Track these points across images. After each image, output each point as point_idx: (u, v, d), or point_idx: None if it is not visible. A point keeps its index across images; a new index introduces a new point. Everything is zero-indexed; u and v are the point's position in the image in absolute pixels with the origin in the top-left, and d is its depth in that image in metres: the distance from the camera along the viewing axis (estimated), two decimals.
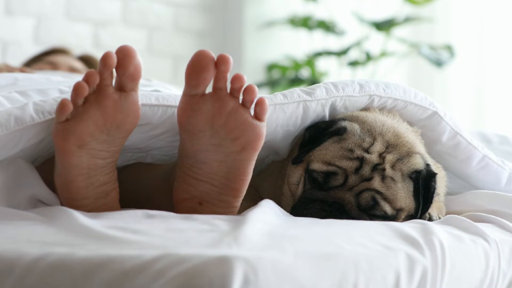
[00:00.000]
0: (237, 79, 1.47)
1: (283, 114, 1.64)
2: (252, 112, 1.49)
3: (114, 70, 1.43)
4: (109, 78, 1.43)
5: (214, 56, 1.46)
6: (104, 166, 1.47)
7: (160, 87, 2.28)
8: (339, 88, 1.71)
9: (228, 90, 1.49)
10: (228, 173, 1.51)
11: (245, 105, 1.49)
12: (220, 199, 1.53)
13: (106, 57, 1.41)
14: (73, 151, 1.43)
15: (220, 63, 1.46)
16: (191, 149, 1.51)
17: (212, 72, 1.46)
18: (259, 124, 1.49)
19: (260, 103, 1.49)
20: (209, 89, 1.50)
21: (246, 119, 1.48)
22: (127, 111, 1.45)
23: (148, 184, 1.72)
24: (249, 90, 1.48)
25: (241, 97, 1.49)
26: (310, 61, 4.70)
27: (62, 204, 1.49)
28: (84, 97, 1.42)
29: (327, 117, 1.72)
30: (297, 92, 1.67)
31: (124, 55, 1.42)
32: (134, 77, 1.43)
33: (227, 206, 1.53)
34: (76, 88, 1.41)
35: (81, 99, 1.42)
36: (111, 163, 1.49)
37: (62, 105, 1.41)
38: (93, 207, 1.48)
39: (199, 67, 1.46)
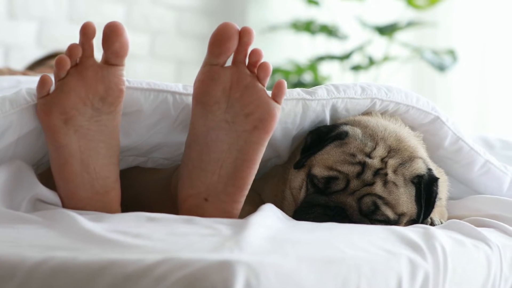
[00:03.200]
0: (254, 53, 1.51)
1: (281, 110, 1.64)
2: (269, 93, 1.52)
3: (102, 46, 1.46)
4: (89, 49, 1.46)
5: (238, 27, 1.50)
6: (98, 151, 1.48)
7: None
8: (340, 90, 1.71)
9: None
10: (237, 159, 1.52)
11: (260, 81, 1.52)
12: (226, 191, 1.53)
13: (84, 27, 1.45)
14: (59, 127, 1.44)
15: (243, 35, 1.49)
16: (203, 128, 1.52)
17: (235, 43, 1.49)
18: (274, 104, 1.52)
19: (278, 85, 1.52)
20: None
21: (262, 95, 1.51)
22: (108, 83, 1.46)
23: (147, 189, 1.72)
24: (263, 67, 1.52)
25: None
26: (312, 66, 4.70)
27: (61, 200, 1.49)
28: (67, 70, 1.44)
29: (327, 119, 1.72)
30: (297, 90, 1.68)
31: (111, 31, 1.45)
32: (119, 54, 1.46)
33: (232, 201, 1.53)
34: (58, 62, 1.44)
35: (64, 73, 1.44)
36: (107, 152, 1.49)
37: (42, 79, 1.44)
38: (90, 202, 1.48)
39: (224, 36, 1.49)
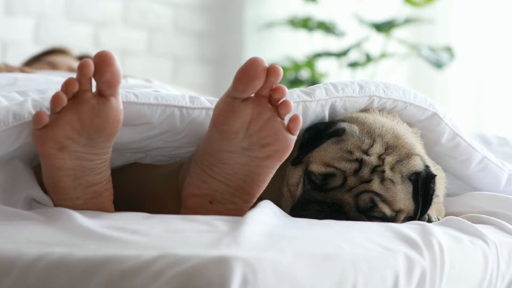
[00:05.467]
0: (279, 90, 1.48)
1: None
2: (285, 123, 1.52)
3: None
4: (87, 83, 1.42)
5: (266, 65, 1.47)
6: (92, 167, 1.47)
7: (160, 88, 2.27)
8: (338, 88, 1.71)
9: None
10: (247, 177, 1.53)
11: (280, 116, 1.51)
12: (232, 200, 1.54)
13: (82, 65, 1.40)
14: (54, 153, 1.43)
15: (271, 74, 1.46)
16: (217, 148, 1.52)
17: (261, 81, 1.47)
18: (290, 137, 1.51)
19: (294, 120, 1.51)
20: None
21: (280, 129, 1.50)
22: (106, 116, 1.44)
23: (151, 182, 1.72)
24: (285, 105, 1.50)
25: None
26: (310, 62, 4.70)
27: (54, 204, 1.49)
28: (62, 106, 1.42)
29: (326, 118, 1.72)
30: (296, 92, 1.67)
31: (101, 61, 1.40)
32: (111, 84, 1.42)
33: (237, 209, 1.54)
34: (54, 99, 1.41)
35: (59, 108, 1.42)
36: (100, 164, 1.48)
37: (37, 116, 1.42)
38: (85, 207, 1.48)
39: (252, 74, 1.46)
